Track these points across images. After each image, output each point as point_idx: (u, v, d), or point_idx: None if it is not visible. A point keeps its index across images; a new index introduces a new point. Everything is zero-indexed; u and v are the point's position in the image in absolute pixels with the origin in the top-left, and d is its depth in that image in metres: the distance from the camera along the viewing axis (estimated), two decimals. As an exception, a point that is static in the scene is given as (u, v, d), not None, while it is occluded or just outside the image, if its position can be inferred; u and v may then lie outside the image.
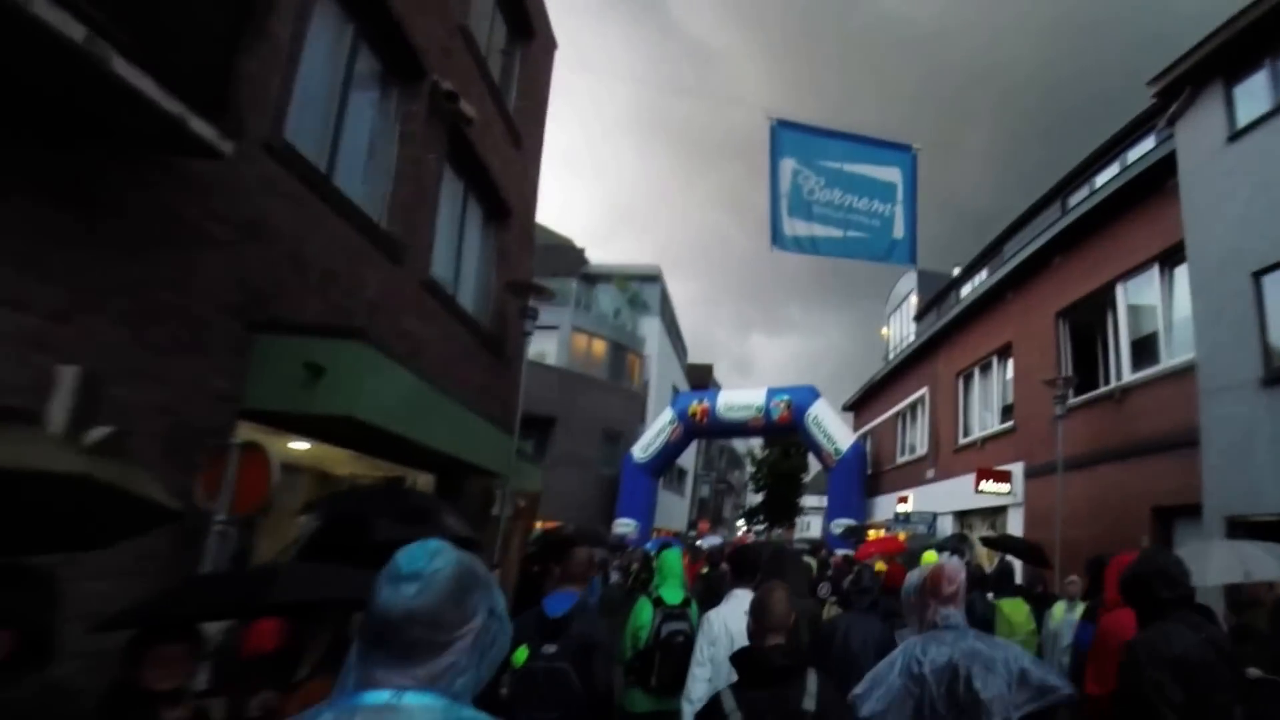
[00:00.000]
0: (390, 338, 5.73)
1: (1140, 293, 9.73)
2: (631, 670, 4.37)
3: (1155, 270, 9.28)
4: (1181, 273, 8.85)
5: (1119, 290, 10.05)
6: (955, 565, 3.07)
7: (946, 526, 14.61)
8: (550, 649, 3.28)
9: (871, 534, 17.05)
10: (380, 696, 1.07)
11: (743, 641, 2.66)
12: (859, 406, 23.65)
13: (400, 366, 5.02)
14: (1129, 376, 9.59)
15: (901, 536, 14.62)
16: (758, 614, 2.54)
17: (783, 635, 2.47)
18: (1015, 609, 5.95)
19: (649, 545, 15.04)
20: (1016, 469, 12.08)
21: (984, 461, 13.23)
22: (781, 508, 31.33)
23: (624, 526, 20.32)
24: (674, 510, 30.16)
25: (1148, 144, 10.48)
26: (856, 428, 22.37)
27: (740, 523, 34.68)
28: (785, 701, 2.29)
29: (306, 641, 3.06)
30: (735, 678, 2.47)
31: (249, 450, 3.91)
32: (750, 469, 35.58)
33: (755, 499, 36.69)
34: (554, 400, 21.98)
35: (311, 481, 6.84)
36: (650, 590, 4.76)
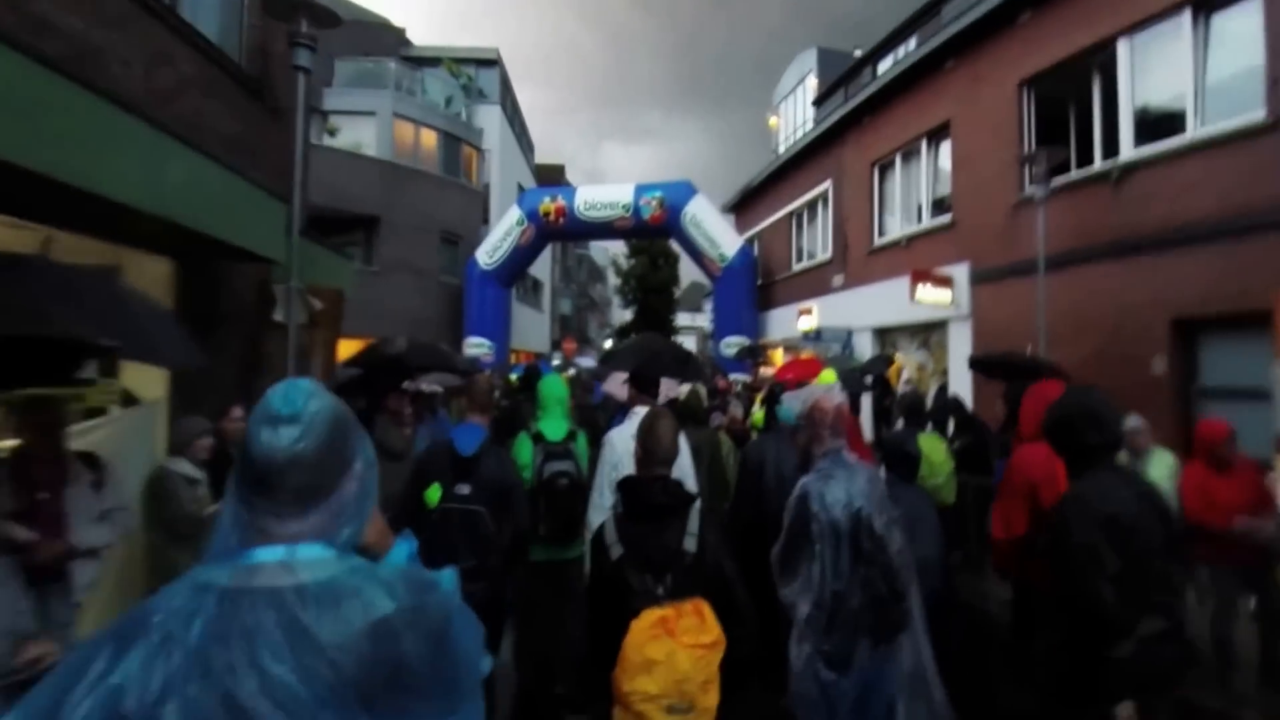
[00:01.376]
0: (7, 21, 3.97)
1: (1155, 48, 7.73)
2: None
3: (1185, 17, 7.24)
4: (1228, 18, 6.88)
5: (1121, 47, 8.01)
6: (836, 391, 3.11)
7: (865, 347, 13.28)
8: (464, 489, 3.22)
9: (773, 355, 15.68)
10: (274, 553, 1.03)
11: None
12: (742, 208, 21.53)
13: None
14: (1132, 152, 7.82)
15: (806, 354, 13.23)
16: (645, 442, 2.41)
17: (669, 468, 2.41)
18: (933, 446, 5.08)
19: (515, 372, 12.79)
20: (959, 272, 10.55)
21: (913, 264, 11.63)
22: (655, 325, 29.67)
23: (476, 347, 17.90)
24: (532, 328, 27.76)
25: None
26: (740, 232, 20.36)
27: (608, 343, 32.68)
28: (666, 539, 2.24)
29: None
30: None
31: None
32: (615, 281, 32.98)
33: (624, 316, 34.74)
34: (376, 197, 18.81)
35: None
36: (529, 424, 4.30)
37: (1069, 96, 9.09)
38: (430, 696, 1.04)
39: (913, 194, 12.63)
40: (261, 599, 0.96)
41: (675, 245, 21.71)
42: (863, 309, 13.47)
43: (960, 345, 10.57)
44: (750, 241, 19.71)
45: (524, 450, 4.01)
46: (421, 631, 1.03)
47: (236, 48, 6.85)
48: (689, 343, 37.47)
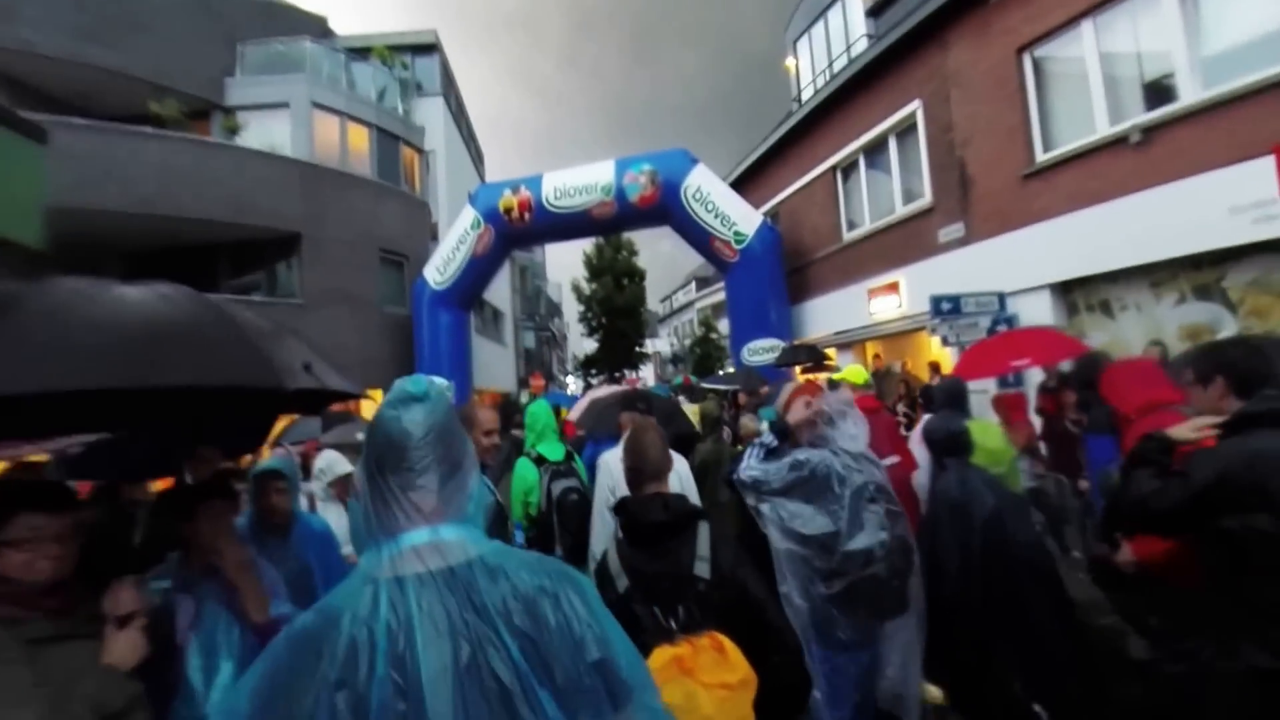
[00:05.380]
0: None
1: None
2: (531, 542, 3.74)
3: None
4: None
5: None
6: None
7: (1040, 313, 8.01)
8: None
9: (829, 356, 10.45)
10: (420, 536, 1.06)
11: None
12: (747, 181, 16.34)
13: None
14: None
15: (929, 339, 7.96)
16: (632, 459, 2.16)
17: (663, 483, 2.14)
18: (987, 433, 4.03)
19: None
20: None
21: (1149, 170, 6.70)
22: (621, 353, 24.08)
23: None
24: (497, 364, 22.32)
25: None
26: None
27: (569, 377, 26.88)
28: (676, 563, 1.91)
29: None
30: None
31: None
32: (578, 308, 27.06)
33: (586, 346, 28.83)
34: (295, 209, 14.37)
35: None
36: (527, 449, 4.08)
37: None
38: (582, 690, 1.01)
39: (1124, 68, 7.58)
40: (428, 582, 1.01)
41: (641, 251, 16.62)
42: (1020, 262, 8.31)
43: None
44: (770, 216, 14.60)
45: (529, 473, 3.87)
46: (563, 615, 1.04)
47: None
48: (646, 372, 32.12)
